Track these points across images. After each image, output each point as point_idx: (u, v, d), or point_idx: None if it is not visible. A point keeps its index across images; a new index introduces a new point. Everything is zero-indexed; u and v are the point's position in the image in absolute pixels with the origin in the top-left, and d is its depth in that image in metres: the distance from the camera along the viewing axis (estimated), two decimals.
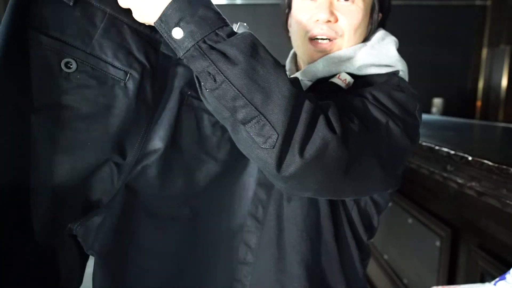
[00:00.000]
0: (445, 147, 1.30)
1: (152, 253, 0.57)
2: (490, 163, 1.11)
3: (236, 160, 0.62)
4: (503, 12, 3.86)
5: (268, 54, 0.48)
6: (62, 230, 0.52)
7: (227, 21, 0.49)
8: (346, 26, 0.72)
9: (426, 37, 3.91)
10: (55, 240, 0.52)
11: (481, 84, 3.99)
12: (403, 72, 0.75)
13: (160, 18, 0.47)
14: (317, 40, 0.73)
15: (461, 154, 1.23)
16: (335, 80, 0.71)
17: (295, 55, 0.86)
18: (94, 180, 0.52)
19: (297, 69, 0.84)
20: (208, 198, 0.62)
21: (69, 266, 0.55)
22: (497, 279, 0.91)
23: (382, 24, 0.81)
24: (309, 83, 0.75)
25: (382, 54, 0.74)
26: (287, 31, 0.83)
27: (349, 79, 0.71)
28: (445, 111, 3.90)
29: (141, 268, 0.56)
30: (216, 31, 0.47)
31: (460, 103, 4.02)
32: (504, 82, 3.77)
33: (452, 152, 1.27)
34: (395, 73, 0.74)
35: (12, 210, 0.47)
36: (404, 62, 0.76)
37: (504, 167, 1.06)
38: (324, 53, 0.74)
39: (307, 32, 0.73)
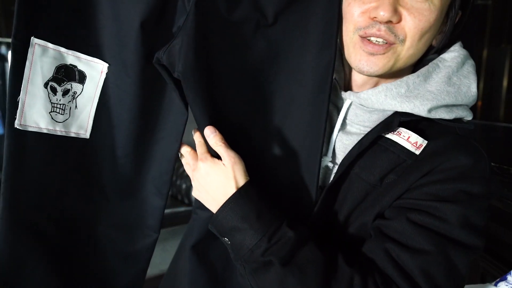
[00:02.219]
0: None
1: (229, 76, 0.54)
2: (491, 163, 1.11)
3: None
4: (504, 12, 3.86)
5: (309, 255, 0.51)
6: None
7: (276, 222, 0.52)
8: (411, 30, 0.53)
9: None
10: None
11: (481, 84, 3.98)
12: (469, 112, 0.61)
13: (212, 223, 0.54)
14: (371, 39, 0.55)
15: None
16: (402, 142, 0.55)
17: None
18: (168, 12, 0.51)
19: (345, 72, 0.65)
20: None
21: None
22: (498, 279, 0.91)
23: (459, 26, 0.62)
24: (365, 129, 0.59)
25: (461, 93, 0.57)
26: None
27: (421, 141, 0.56)
28: None
29: (223, 88, 0.55)
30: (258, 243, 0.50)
31: None
32: (505, 82, 3.76)
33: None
34: (466, 123, 0.60)
35: None
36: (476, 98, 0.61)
37: (505, 167, 1.05)
38: (375, 57, 0.55)
39: (358, 29, 0.55)
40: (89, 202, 0.56)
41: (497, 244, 1.24)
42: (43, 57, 0.47)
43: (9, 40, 3.12)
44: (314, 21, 0.54)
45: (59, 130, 0.49)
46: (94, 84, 0.51)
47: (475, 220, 0.53)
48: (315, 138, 0.57)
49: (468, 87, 0.58)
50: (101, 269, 0.59)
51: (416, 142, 0.56)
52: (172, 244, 2.49)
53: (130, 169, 0.57)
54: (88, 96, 0.51)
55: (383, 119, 0.58)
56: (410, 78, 0.58)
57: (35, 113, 0.46)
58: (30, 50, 0.46)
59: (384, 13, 0.51)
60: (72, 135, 0.51)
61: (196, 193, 0.59)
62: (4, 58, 3.11)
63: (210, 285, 0.64)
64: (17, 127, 0.46)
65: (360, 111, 0.60)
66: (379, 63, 0.55)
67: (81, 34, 0.50)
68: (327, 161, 0.61)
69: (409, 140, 0.56)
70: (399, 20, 0.53)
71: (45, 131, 0.48)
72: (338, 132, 0.61)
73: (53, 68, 0.48)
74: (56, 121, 0.49)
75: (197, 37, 0.49)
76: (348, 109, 0.60)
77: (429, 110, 0.55)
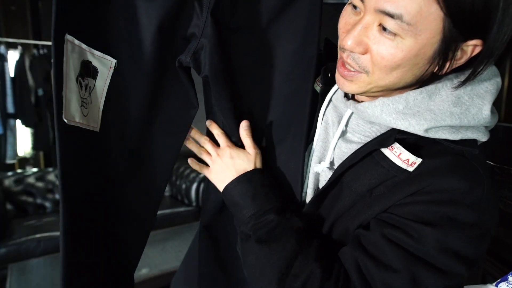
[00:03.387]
0: None
1: (248, 72, 0.64)
2: (491, 163, 1.10)
3: None
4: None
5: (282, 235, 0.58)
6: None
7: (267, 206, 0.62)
8: (374, 65, 0.50)
9: None
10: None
11: None
12: (486, 133, 0.54)
13: (222, 194, 0.67)
14: (346, 62, 0.53)
15: None
16: (392, 158, 0.54)
17: None
18: (182, 18, 0.57)
19: None
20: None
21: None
22: (498, 280, 0.91)
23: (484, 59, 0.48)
24: (365, 139, 0.59)
25: (468, 115, 0.51)
26: None
27: (413, 159, 0.52)
28: None
29: (245, 84, 0.64)
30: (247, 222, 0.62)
31: None
32: (506, 82, 3.76)
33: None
34: (472, 144, 0.53)
35: None
36: (496, 117, 0.54)
37: (506, 167, 1.05)
38: (346, 81, 0.54)
39: (339, 45, 0.54)
40: (106, 193, 0.60)
41: (497, 244, 1.24)
42: (73, 53, 0.49)
43: (9, 40, 3.13)
44: (300, 23, 0.60)
45: (85, 123, 0.52)
46: (103, 79, 0.53)
47: (458, 246, 0.50)
48: (298, 130, 0.63)
49: (480, 108, 0.51)
50: (115, 233, 0.64)
51: (408, 159, 0.53)
52: (172, 244, 2.49)
53: (138, 160, 0.61)
54: (99, 91, 0.53)
55: (384, 131, 0.56)
56: (411, 94, 0.53)
57: (73, 107, 0.49)
58: (65, 46, 0.48)
59: (347, 43, 0.50)
60: (91, 128, 0.54)
61: (213, 175, 0.69)
62: (4, 58, 3.11)
63: (216, 259, 0.74)
64: (64, 121, 0.48)
65: (361, 121, 0.58)
66: (351, 87, 0.54)
67: (96, 31, 0.52)
68: (324, 167, 0.62)
69: (399, 156, 0.53)
70: (364, 52, 0.50)
71: (79, 125, 0.50)
72: (338, 140, 0.61)
73: (79, 63, 0.50)
74: (84, 115, 0.51)
75: (218, 42, 0.57)
76: (349, 117, 0.60)
77: (426, 130, 0.51)
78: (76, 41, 0.49)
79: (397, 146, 0.54)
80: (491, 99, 0.52)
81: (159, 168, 0.66)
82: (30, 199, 3.03)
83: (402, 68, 0.49)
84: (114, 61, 0.54)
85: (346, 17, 0.52)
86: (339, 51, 0.55)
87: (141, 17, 0.54)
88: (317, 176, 0.64)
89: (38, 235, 2.61)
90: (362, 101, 0.58)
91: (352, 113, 0.59)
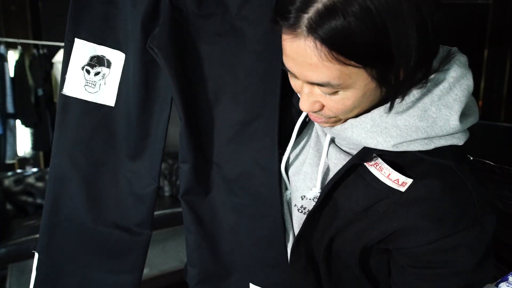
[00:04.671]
0: None
1: (205, 62, 0.69)
2: (491, 163, 1.10)
3: None
4: (505, 12, 3.85)
5: None
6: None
7: None
8: (336, 112, 0.53)
9: None
10: None
11: (482, 84, 3.98)
12: (464, 135, 0.55)
13: None
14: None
15: None
16: (383, 179, 0.55)
17: None
18: (158, 9, 0.67)
19: None
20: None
21: None
22: (499, 280, 0.90)
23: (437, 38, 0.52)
24: (352, 151, 0.61)
25: (435, 127, 0.51)
26: None
27: (403, 179, 0.53)
28: None
29: (197, 73, 0.70)
30: None
31: None
32: (506, 81, 3.76)
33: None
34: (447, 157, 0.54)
35: None
36: (474, 116, 0.56)
37: (506, 167, 1.05)
38: (321, 123, 0.58)
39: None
40: (111, 154, 0.75)
41: (497, 244, 1.24)
42: (81, 50, 0.70)
43: (9, 40, 3.13)
44: (269, 5, 0.61)
45: (90, 98, 0.72)
46: (117, 68, 0.72)
47: (482, 261, 0.54)
48: (272, 106, 0.67)
49: (447, 120, 0.51)
50: (120, 205, 0.76)
51: (398, 179, 0.54)
52: (172, 244, 2.49)
53: (138, 130, 0.74)
54: (114, 77, 0.73)
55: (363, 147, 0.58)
56: (376, 112, 0.53)
57: (74, 85, 0.71)
58: (74, 46, 0.69)
59: (304, 106, 0.54)
60: (100, 102, 0.73)
61: None
62: (4, 58, 3.11)
63: (201, 231, 0.75)
64: (63, 93, 0.71)
65: (342, 140, 0.61)
66: (328, 125, 0.58)
67: (108, 34, 0.71)
68: (316, 193, 0.62)
69: (389, 177, 0.54)
70: (322, 107, 0.54)
71: (79, 97, 0.72)
72: (327, 154, 0.62)
73: (88, 57, 0.70)
74: (88, 92, 0.72)
75: (171, 25, 0.66)
76: (330, 140, 0.62)
77: (395, 146, 0.53)
78: (87, 42, 0.70)
79: (385, 166, 0.55)
80: (459, 108, 0.51)
81: (157, 138, 0.74)
82: (30, 199, 3.03)
83: (359, 106, 0.52)
84: (124, 54, 0.72)
85: (292, 81, 0.56)
86: None
87: (133, 17, 0.68)
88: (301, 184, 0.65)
89: (38, 235, 2.61)
90: None
91: (331, 137, 0.62)
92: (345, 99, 0.50)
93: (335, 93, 0.50)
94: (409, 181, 0.53)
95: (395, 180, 0.54)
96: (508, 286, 0.86)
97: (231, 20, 0.66)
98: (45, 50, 3.28)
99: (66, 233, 0.75)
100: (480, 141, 1.83)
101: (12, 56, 3.21)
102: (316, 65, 0.46)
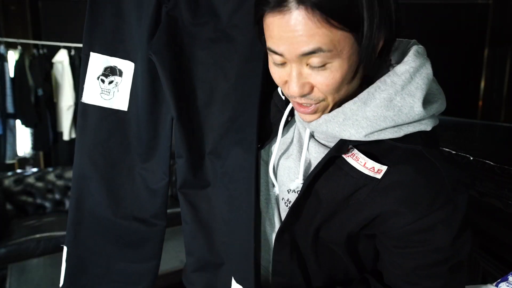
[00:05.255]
0: (446, 148, 1.29)
1: (199, 65, 0.74)
2: (491, 163, 1.10)
3: None
4: (505, 11, 3.85)
5: None
6: None
7: None
8: (326, 92, 0.56)
9: (427, 36, 3.91)
10: None
11: (482, 84, 3.98)
12: (432, 121, 0.59)
13: None
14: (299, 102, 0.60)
15: (462, 154, 1.22)
16: (359, 168, 0.59)
17: None
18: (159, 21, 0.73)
19: None
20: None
21: None
22: (499, 280, 0.91)
23: (388, 47, 0.58)
24: (330, 144, 0.65)
25: (401, 115, 0.55)
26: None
27: (378, 166, 0.58)
28: (446, 111, 3.89)
29: (191, 76, 0.75)
30: None
31: (461, 103, 4.02)
32: (506, 81, 3.76)
33: (454, 152, 1.26)
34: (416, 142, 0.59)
35: None
36: (439, 102, 0.60)
37: (506, 167, 1.05)
38: (309, 115, 0.61)
39: (287, 93, 0.60)
40: (126, 154, 0.82)
41: (497, 244, 1.24)
42: (96, 62, 0.78)
43: (9, 40, 3.13)
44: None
45: (105, 105, 0.80)
46: (128, 76, 0.80)
47: (458, 235, 0.59)
48: (253, 100, 0.71)
49: (411, 107, 0.55)
50: (136, 199, 0.83)
51: (373, 167, 0.58)
52: (172, 244, 2.48)
53: (148, 130, 0.80)
54: (125, 84, 0.80)
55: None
56: (346, 107, 0.58)
57: (91, 94, 0.79)
58: (90, 59, 0.78)
59: (293, 92, 0.56)
60: (115, 108, 0.80)
61: None
62: (4, 58, 3.11)
63: (197, 222, 0.79)
64: (82, 101, 0.79)
65: (319, 133, 0.65)
66: (315, 117, 0.61)
67: (119, 47, 0.78)
68: (299, 183, 0.65)
69: (365, 166, 0.59)
70: (311, 89, 0.56)
71: (96, 104, 0.80)
72: (308, 148, 0.66)
73: (102, 68, 0.79)
74: (104, 99, 0.80)
75: (167, 32, 0.72)
76: (310, 135, 0.66)
77: (367, 135, 0.57)
78: (101, 55, 0.78)
79: (361, 156, 0.59)
80: (421, 95, 0.55)
81: (165, 137, 0.80)
82: (29, 199, 3.04)
83: (346, 82, 0.55)
84: (133, 64, 0.79)
85: (276, 72, 0.58)
86: (289, 98, 0.61)
87: (140, 32, 0.75)
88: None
89: (37, 235, 2.61)
90: None
91: (310, 131, 0.66)
92: (334, 71, 0.53)
93: (324, 67, 0.53)
94: (384, 168, 0.58)
95: (371, 168, 0.58)
96: (508, 286, 0.86)
97: (223, 27, 0.72)
98: (45, 50, 3.28)
99: (90, 228, 0.83)
100: (480, 141, 1.83)
101: (12, 56, 3.21)
102: (308, 33, 0.50)
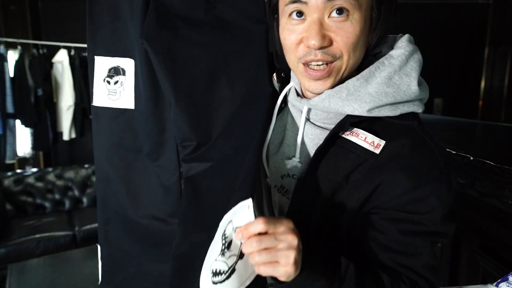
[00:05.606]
0: (446, 147, 1.29)
1: (195, 48, 0.73)
2: (491, 163, 1.10)
3: None
4: (505, 11, 3.85)
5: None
6: None
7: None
8: (344, 47, 0.59)
9: (427, 36, 3.90)
10: None
11: (482, 84, 3.98)
12: (421, 105, 0.64)
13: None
14: (312, 65, 0.61)
15: (462, 154, 1.22)
16: (360, 143, 0.62)
17: None
18: None
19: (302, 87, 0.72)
20: None
21: None
22: (499, 280, 0.91)
23: (388, 20, 0.64)
24: (326, 125, 0.67)
25: (400, 92, 0.61)
26: (279, 44, 0.67)
27: (377, 141, 0.61)
28: (446, 111, 3.90)
29: (188, 58, 0.74)
30: None
31: (461, 103, 4.02)
32: (506, 81, 3.76)
33: (454, 152, 1.26)
34: (414, 116, 0.64)
35: None
36: (426, 90, 0.65)
37: (506, 167, 1.05)
38: (321, 81, 0.62)
39: (299, 58, 0.62)
40: (139, 152, 0.83)
41: (497, 244, 1.24)
42: (101, 65, 0.80)
43: (8, 39, 3.13)
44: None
45: (114, 105, 0.82)
46: (130, 74, 0.81)
47: (447, 217, 0.61)
48: (264, 83, 0.71)
49: (408, 85, 0.61)
50: (153, 198, 0.84)
51: (373, 141, 0.61)
52: None
53: (155, 125, 0.81)
54: (129, 82, 0.82)
55: (340, 118, 0.65)
56: (350, 83, 0.62)
57: (99, 96, 0.82)
58: (95, 63, 0.80)
59: (314, 42, 0.58)
60: (123, 107, 0.82)
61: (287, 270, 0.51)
62: (3, 58, 3.11)
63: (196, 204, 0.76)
64: (93, 105, 0.82)
65: (319, 111, 0.67)
66: (326, 84, 0.62)
67: (118, 46, 0.80)
68: (296, 162, 0.68)
69: (366, 140, 0.62)
70: (331, 43, 0.59)
71: (105, 105, 0.82)
72: (304, 131, 0.68)
73: (107, 70, 0.81)
74: (112, 100, 0.82)
75: (156, 18, 0.72)
76: (308, 112, 0.68)
77: (369, 111, 0.61)
78: (104, 57, 0.80)
79: (361, 132, 0.63)
80: (416, 75, 0.62)
81: (171, 135, 0.80)
82: (29, 199, 3.04)
83: (361, 41, 0.60)
84: (133, 60, 0.81)
85: (292, 32, 0.61)
86: (298, 63, 0.63)
87: (134, 29, 0.76)
88: (293, 169, 0.69)
89: (37, 235, 2.62)
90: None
91: (309, 109, 0.68)
92: (354, 24, 0.58)
93: (346, 16, 0.57)
94: (382, 142, 0.61)
95: (371, 142, 0.62)
96: (508, 286, 0.86)
97: (213, 11, 0.73)
98: (44, 50, 3.28)
99: (117, 227, 0.85)
100: (481, 141, 1.83)
101: (12, 56, 3.21)
102: None
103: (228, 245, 0.54)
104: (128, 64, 0.81)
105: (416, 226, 0.61)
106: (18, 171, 3.23)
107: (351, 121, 0.62)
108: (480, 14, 3.99)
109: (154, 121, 0.81)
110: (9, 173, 3.11)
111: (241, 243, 0.52)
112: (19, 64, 3.14)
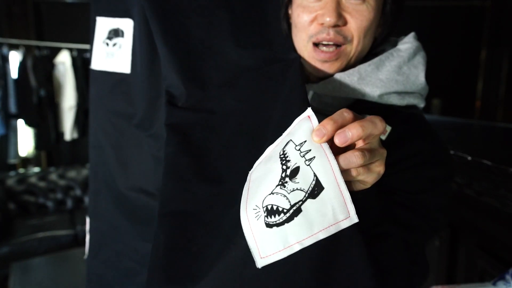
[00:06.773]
0: None
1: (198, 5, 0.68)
2: (489, 163, 1.12)
3: None
4: (502, 13, 3.87)
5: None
6: None
7: None
8: (356, 30, 0.60)
9: (425, 37, 3.89)
10: None
11: (480, 85, 3.99)
12: (423, 100, 0.66)
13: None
14: (322, 47, 0.62)
15: (460, 154, 1.24)
16: None
17: None
18: None
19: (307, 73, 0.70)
20: None
21: None
22: (496, 278, 0.92)
23: (397, 18, 0.65)
24: (333, 109, 0.63)
25: (409, 81, 0.63)
26: (287, 26, 0.67)
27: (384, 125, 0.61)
28: (444, 111, 3.91)
29: (191, 14, 0.69)
30: None
31: (459, 103, 4.04)
32: (503, 82, 3.77)
33: (451, 152, 1.27)
34: (416, 109, 0.65)
35: None
36: (427, 88, 0.66)
37: (503, 167, 1.07)
38: (328, 63, 0.62)
39: (310, 36, 0.61)
40: (132, 119, 0.79)
41: (495, 243, 1.25)
42: (102, 26, 0.79)
43: (11, 41, 3.14)
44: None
45: (110, 69, 0.80)
46: (129, 36, 0.78)
47: (441, 206, 0.62)
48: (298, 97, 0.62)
49: (416, 76, 0.64)
50: (143, 169, 0.79)
51: None
52: None
53: (149, 90, 0.77)
54: (127, 45, 0.79)
55: (344, 105, 0.64)
56: (362, 68, 0.63)
57: (98, 59, 0.80)
58: (96, 24, 0.79)
59: (330, 19, 0.58)
60: (119, 71, 0.80)
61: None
62: (6, 59, 3.13)
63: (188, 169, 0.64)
64: (91, 68, 0.82)
65: (323, 97, 0.66)
66: (334, 67, 0.63)
67: (119, 6, 0.78)
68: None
69: None
70: (345, 23, 0.60)
71: (102, 69, 0.80)
72: None
73: (107, 31, 0.79)
74: (109, 63, 0.80)
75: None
76: (312, 97, 0.67)
77: (380, 96, 0.62)
78: (104, 18, 0.79)
79: None
80: (423, 68, 0.65)
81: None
82: (32, 199, 3.05)
83: (372, 29, 0.62)
84: (132, 21, 0.78)
85: (307, 9, 0.61)
86: (308, 42, 0.62)
87: None
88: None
89: (40, 234, 2.63)
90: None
91: (314, 93, 0.66)
92: (370, 9, 0.60)
93: (362, 4, 0.59)
94: (389, 128, 0.61)
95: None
96: (505, 284, 0.88)
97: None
98: (47, 51, 3.30)
99: (106, 200, 0.83)
100: (478, 141, 1.84)
101: (15, 57, 3.22)
102: None
103: (292, 172, 0.40)
104: (127, 25, 0.78)
105: (416, 204, 0.60)
106: (21, 171, 3.25)
107: (360, 106, 0.62)
108: (477, 16, 4.01)
109: (149, 85, 0.76)
110: (12, 173, 3.12)
111: (314, 175, 0.39)
112: (22, 65, 3.15)
